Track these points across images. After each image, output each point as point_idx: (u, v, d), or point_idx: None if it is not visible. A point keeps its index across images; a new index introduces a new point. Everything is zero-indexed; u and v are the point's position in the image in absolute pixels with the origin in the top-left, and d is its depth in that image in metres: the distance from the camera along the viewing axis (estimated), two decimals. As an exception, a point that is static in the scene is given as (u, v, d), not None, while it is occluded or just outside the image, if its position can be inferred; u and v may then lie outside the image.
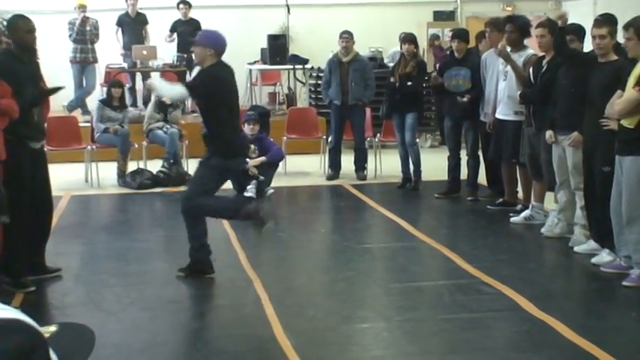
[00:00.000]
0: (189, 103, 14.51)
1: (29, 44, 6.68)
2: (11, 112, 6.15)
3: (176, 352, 5.43)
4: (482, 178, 10.00)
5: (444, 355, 5.38)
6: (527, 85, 8.35)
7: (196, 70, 7.33)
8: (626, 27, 6.61)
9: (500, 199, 9.40)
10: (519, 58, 8.66)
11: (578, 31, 7.73)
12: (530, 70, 8.37)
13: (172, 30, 14.85)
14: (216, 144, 6.81)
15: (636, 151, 6.47)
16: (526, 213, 8.72)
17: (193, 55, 7.28)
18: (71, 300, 6.51)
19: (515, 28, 8.79)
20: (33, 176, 6.59)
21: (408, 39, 10.72)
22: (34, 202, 6.56)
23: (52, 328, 1.31)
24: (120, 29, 14.66)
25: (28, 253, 6.67)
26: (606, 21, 7.06)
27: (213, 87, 6.67)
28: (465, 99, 9.58)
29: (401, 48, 11.07)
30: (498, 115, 8.96)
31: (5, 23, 6.78)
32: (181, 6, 14.84)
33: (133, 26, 14.67)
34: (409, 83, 10.42)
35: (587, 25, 7.49)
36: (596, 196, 7.16)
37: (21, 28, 6.55)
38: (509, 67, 8.64)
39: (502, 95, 8.93)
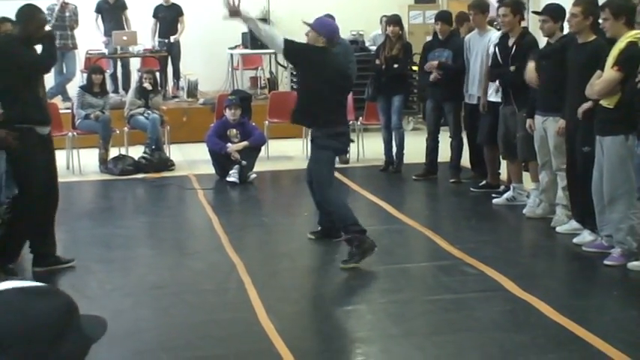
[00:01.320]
0: (168, 89, 14.46)
1: (37, 37, 6.60)
2: None
3: (160, 338, 5.41)
4: (464, 160, 10.01)
5: (429, 336, 5.39)
6: (496, 65, 8.42)
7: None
8: (602, 7, 6.64)
9: (484, 181, 9.41)
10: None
11: (554, 11, 7.69)
12: (496, 49, 8.43)
13: (154, 15, 14.77)
14: (314, 118, 6.91)
15: (616, 131, 6.50)
16: (508, 194, 8.74)
17: (306, 38, 7.27)
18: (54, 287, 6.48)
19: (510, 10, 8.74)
20: (44, 164, 6.53)
21: (394, 20, 10.69)
22: (43, 191, 6.51)
23: None
24: (99, 16, 14.56)
25: (33, 243, 6.65)
26: (581, 0, 7.08)
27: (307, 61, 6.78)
28: (432, 76, 9.64)
29: (385, 30, 11.05)
30: (491, 98, 8.94)
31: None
32: (164, -10, 14.75)
33: (113, 12, 14.57)
34: (395, 65, 10.39)
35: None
36: (577, 176, 7.19)
37: (38, 21, 6.48)
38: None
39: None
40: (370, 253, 6.67)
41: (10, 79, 6.29)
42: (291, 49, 6.76)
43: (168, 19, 14.70)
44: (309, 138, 11.47)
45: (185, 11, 14.78)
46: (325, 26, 7.02)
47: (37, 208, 6.45)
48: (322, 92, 6.69)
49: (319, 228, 7.47)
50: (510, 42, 8.30)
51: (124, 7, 14.64)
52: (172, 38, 14.54)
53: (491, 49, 8.81)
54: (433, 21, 10.62)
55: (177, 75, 14.95)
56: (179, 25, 14.71)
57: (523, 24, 8.83)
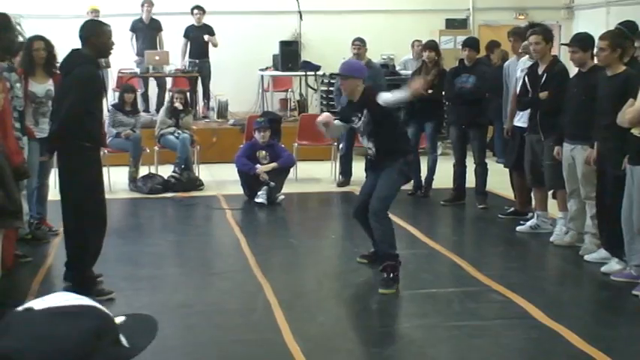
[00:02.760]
0: (198, 109, 14.56)
1: (109, 51, 6.78)
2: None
3: (186, 357, 5.43)
4: (492, 185, 9.99)
5: (453, 362, 5.38)
6: (524, 94, 8.39)
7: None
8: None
9: (512, 208, 9.39)
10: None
11: (582, 41, 7.69)
12: (526, 78, 8.40)
13: (185, 36, 14.91)
14: (394, 151, 6.95)
15: (647, 160, 6.47)
16: (532, 222, 8.71)
17: (342, 88, 7.41)
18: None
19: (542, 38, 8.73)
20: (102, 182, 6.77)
21: (430, 46, 10.71)
22: (103, 209, 6.67)
23: (122, 318, 1.44)
24: (134, 35, 14.73)
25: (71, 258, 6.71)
26: (608, 34, 7.14)
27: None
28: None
29: (420, 55, 11.07)
30: (519, 123, 8.91)
31: (20, 27, 6.79)
32: (195, 11, 14.89)
33: (147, 32, 14.75)
34: (430, 91, 10.39)
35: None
36: (606, 204, 7.15)
37: (106, 34, 6.56)
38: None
39: None
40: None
41: (95, 102, 6.50)
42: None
43: (200, 39, 14.82)
44: (337, 161, 11.56)
45: (217, 32, 14.90)
46: (358, 69, 7.22)
47: (100, 228, 6.60)
48: (400, 123, 7.12)
49: (372, 251, 7.42)
50: (540, 69, 8.26)
51: (159, 29, 14.81)
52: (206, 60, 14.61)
53: (519, 74, 8.82)
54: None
55: (207, 95, 15.06)
56: (210, 45, 14.83)
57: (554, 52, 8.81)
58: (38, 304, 1.32)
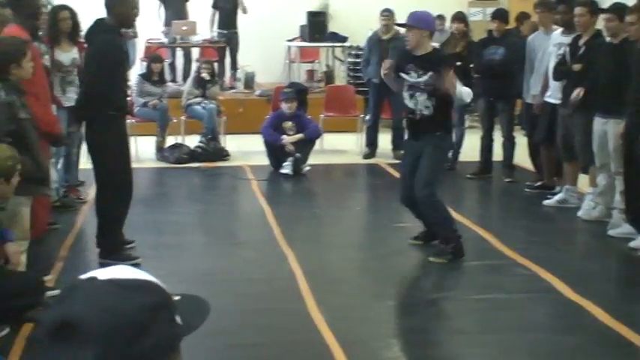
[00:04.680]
0: (225, 80, 14.57)
1: (132, 21, 6.79)
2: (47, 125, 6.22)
3: (207, 324, 5.44)
4: (525, 159, 9.93)
5: (478, 335, 5.37)
6: (562, 64, 8.28)
7: None
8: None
9: (539, 182, 9.33)
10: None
11: (622, 9, 7.57)
12: (567, 49, 8.26)
13: (214, 6, 14.87)
14: (445, 123, 6.86)
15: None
16: (560, 196, 8.64)
17: (407, 40, 6.94)
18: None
19: (569, 8, 8.61)
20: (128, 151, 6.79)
21: (458, 17, 10.64)
22: (129, 177, 6.72)
23: (176, 297, 1.43)
24: (162, 5, 14.73)
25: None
26: (635, 8, 7.00)
27: None
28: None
29: (450, 27, 10.99)
30: (549, 99, 8.80)
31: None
32: (223, -19, 14.83)
33: (174, 2, 14.72)
34: (458, 63, 10.30)
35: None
36: (633, 179, 7.09)
37: (129, 3, 6.52)
38: (562, 49, 8.46)
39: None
40: (459, 258, 6.76)
41: (118, 71, 6.47)
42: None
43: (228, 10, 14.78)
44: (364, 132, 11.53)
45: (245, 2, 14.85)
46: (424, 20, 6.87)
47: (128, 194, 6.65)
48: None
49: (423, 231, 7.19)
50: (581, 42, 8.10)
51: None
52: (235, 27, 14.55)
53: (551, 49, 8.70)
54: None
55: (234, 66, 15.03)
56: (239, 15, 14.78)
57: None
58: (101, 274, 1.34)
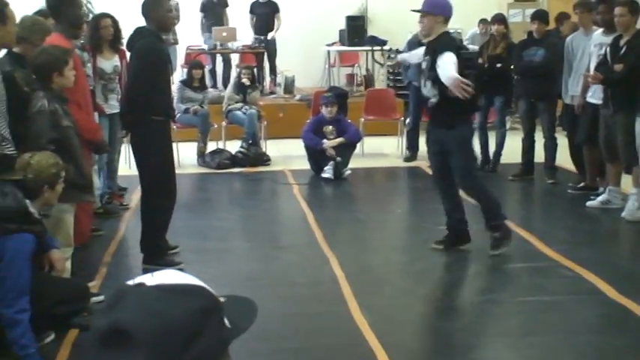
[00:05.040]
0: (265, 85, 14.63)
1: (169, 24, 6.86)
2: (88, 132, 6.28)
3: (254, 329, 5.46)
4: (566, 161, 9.85)
5: (522, 337, 5.34)
6: (602, 64, 8.19)
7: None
8: None
9: (582, 183, 9.24)
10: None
11: None
12: (608, 49, 8.18)
13: (251, 12, 14.95)
14: (455, 113, 6.66)
15: None
16: (603, 197, 8.56)
17: (419, 28, 6.78)
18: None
19: (609, 8, 8.52)
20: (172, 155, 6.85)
21: (498, 19, 10.64)
22: (173, 182, 6.77)
23: (222, 299, 1.43)
24: (204, 13, 14.86)
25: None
26: None
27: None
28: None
29: (489, 29, 10.96)
30: (591, 99, 8.71)
31: (90, 6, 6.85)
32: (262, -13, 14.91)
33: (215, 9, 14.83)
34: (498, 65, 10.28)
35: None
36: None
37: (163, 7, 6.56)
38: (603, 50, 8.38)
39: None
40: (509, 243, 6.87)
41: (159, 74, 6.48)
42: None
43: (264, 15, 14.86)
44: (404, 135, 11.51)
45: (283, 8, 14.91)
46: (439, 5, 6.66)
47: (166, 199, 6.68)
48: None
49: (446, 236, 7.16)
50: (622, 42, 8.02)
51: (225, 5, 14.88)
52: (269, 35, 14.67)
53: (592, 49, 8.62)
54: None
55: (273, 71, 15.09)
56: (275, 22, 14.84)
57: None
58: (149, 279, 1.35)
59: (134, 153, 6.68)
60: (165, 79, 6.72)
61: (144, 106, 6.32)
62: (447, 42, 6.61)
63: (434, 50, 6.56)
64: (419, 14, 6.71)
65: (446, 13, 6.63)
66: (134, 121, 6.51)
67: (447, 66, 6.42)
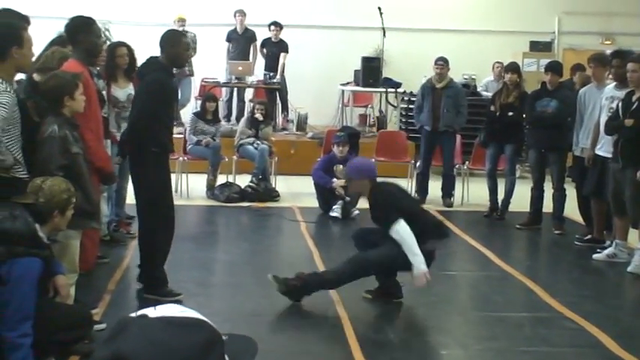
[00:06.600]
0: (278, 121, 14.71)
1: (183, 62, 6.98)
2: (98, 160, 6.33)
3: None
4: (574, 212, 9.85)
5: (522, 388, 5.31)
6: (614, 119, 8.23)
7: None
8: None
9: (589, 235, 9.24)
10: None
11: None
12: (620, 104, 8.22)
13: (261, 47, 15.14)
14: None
15: None
16: (609, 250, 8.55)
17: (352, 188, 7.37)
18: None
19: (623, 63, 8.56)
20: (170, 187, 6.87)
21: (512, 68, 10.73)
22: (171, 213, 6.78)
23: (224, 337, 1.46)
24: (230, 45, 14.99)
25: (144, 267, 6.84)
26: None
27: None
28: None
29: (503, 77, 11.05)
30: (600, 152, 8.76)
31: (108, 33, 6.93)
32: (272, 27, 15.05)
33: (239, 42, 14.95)
34: (510, 113, 10.35)
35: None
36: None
37: (182, 45, 6.68)
38: (614, 103, 8.43)
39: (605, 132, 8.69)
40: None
41: (164, 109, 6.57)
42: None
43: (272, 54, 15.01)
44: (414, 179, 11.53)
45: (300, 45, 15.03)
46: (360, 170, 7.09)
47: (164, 229, 6.68)
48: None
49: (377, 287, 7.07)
50: (634, 97, 8.07)
51: (252, 38, 14.99)
52: (277, 78, 14.79)
53: (604, 102, 8.66)
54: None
55: (285, 108, 15.18)
56: (280, 61, 14.97)
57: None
58: (152, 312, 1.36)
59: (132, 181, 6.75)
60: (170, 115, 6.78)
61: (145, 137, 6.40)
62: (379, 195, 6.95)
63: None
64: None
65: (372, 175, 7.06)
66: (133, 151, 6.56)
67: (401, 231, 6.61)
